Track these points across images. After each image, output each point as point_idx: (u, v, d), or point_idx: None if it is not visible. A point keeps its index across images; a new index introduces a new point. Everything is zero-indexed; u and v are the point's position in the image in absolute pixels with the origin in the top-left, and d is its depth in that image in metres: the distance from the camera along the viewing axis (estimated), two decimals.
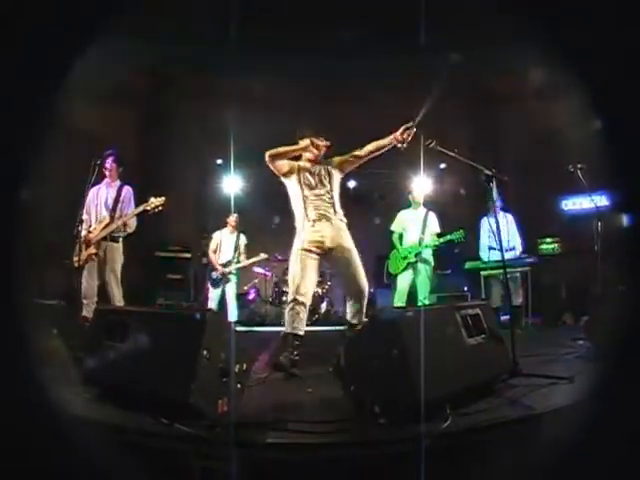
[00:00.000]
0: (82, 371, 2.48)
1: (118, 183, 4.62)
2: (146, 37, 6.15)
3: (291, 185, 3.71)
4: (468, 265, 6.11)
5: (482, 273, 5.98)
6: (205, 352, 2.02)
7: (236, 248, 6.46)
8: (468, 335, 2.34)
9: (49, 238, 5.00)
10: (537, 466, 1.76)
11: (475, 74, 7.53)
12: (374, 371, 2.03)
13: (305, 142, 3.66)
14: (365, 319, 3.53)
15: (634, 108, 1.79)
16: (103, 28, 1.96)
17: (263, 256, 6.74)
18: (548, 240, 6.49)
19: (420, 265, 5.35)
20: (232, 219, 6.54)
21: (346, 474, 1.76)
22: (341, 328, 4.51)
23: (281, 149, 3.63)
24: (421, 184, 5.99)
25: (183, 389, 1.94)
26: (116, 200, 4.53)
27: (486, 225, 5.87)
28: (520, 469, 1.77)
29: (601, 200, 5.20)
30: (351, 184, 8.14)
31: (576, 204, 6.80)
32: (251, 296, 8.14)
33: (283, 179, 3.75)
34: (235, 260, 6.43)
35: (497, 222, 3.56)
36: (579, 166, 4.53)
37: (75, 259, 4.34)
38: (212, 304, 6.33)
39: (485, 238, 6.05)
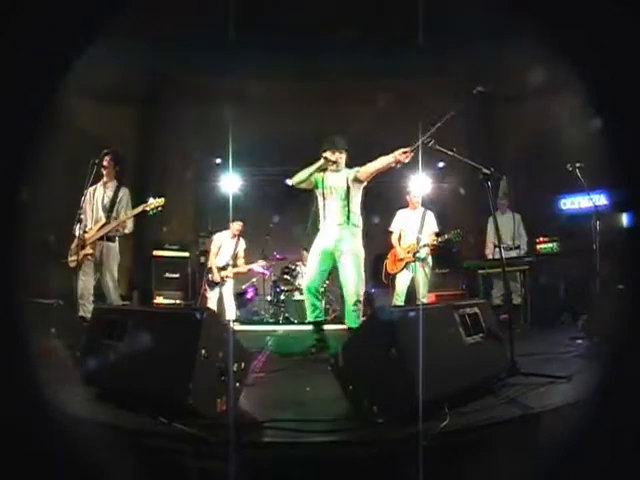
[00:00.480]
0: (80, 371, 2.48)
1: (115, 183, 4.62)
2: (146, 37, 6.15)
3: (316, 195, 4.23)
4: (466, 264, 6.12)
5: (480, 272, 5.99)
6: (203, 351, 2.01)
7: (235, 253, 6.51)
8: (466, 334, 2.34)
9: (48, 237, 5.01)
10: (535, 465, 1.76)
11: (475, 74, 7.54)
12: (372, 370, 2.03)
13: (320, 161, 4.06)
14: (363, 318, 3.59)
15: (634, 108, 1.80)
16: (103, 28, 1.96)
17: (261, 263, 6.80)
18: (547, 239, 6.49)
19: (418, 264, 5.36)
20: (236, 226, 6.54)
21: (344, 473, 1.76)
22: (340, 327, 4.53)
23: (301, 174, 4.12)
24: (419, 183, 5.99)
25: (181, 388, 1.94)
26: (113, 201, 4.53)
27: (492, 223, 5.89)
28: (518, 468, 1.78)
29: (600, 199, 5.22)
30: None
31: (575, 203, 6.79)
32: (249, 295, 8.14)
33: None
34: (232, 264, 6.47)
35: (495, 221, 3.55)
36: (578, 165, 4.53)
37: (71, 259, 4.34)
38: (209, 304, 6.35)
39: (491, 236, 6.09)
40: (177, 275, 7.64)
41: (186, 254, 7.69)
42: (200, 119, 7.66)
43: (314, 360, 3.77)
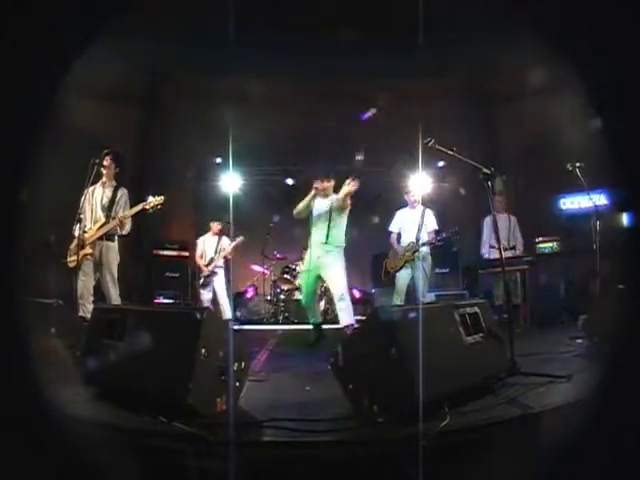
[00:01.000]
0: (80, 370, 2.48)
1: (114, 184, 4.62)
2: (146, 37, 6.14)
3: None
4: (466, 264, 6.11)
5: (480, 271, 5.98)
6: (203, 351, 2.02)
7: (217, 249, 6.57)
8: (466, 334, 2.35)
9: (48, 237, 5.00)
10: (535, 465, 1.76)
11: (474, 73, 7.54)
12: (372, 370, 2.03)
13: (312, 192, 4.70)
14: (359, 317, 3.72)
15: (634, 108, 1.80)
16: (103, 28, 1.96)
17: (241, 238, 6.69)
18: (547, 239, 6.48)
19: (418, 263, 5.35)
20: (215, 225, 6.66)
21: (344, 473, 1.76)
22: (339, 327, 4.55)
23: (299, 206, 4.75)
24: (419, 183, 5.98)
25: (181, 388, 1.94)
26: (112, 201, 4.52)
27: (489, 223, 5.89)
28: (518, 468, 1.78)
29: (600, 199, 5.20)
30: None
31: (575, 203, 6.78)
32: (249, 294, 8.13)
33: None
34: (217, 256, 6.53)
35: (495, 221, 3.55)
36: (578, 165, 4.52)
37: (71, 259, 4.34)
38: (204, 304, 6.36)
39: (487, 235, 6.08)
40: (177, 275, 7.65)
41: (186, 254, 7.68)
42: (200, 119, 7.65)
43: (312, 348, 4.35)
